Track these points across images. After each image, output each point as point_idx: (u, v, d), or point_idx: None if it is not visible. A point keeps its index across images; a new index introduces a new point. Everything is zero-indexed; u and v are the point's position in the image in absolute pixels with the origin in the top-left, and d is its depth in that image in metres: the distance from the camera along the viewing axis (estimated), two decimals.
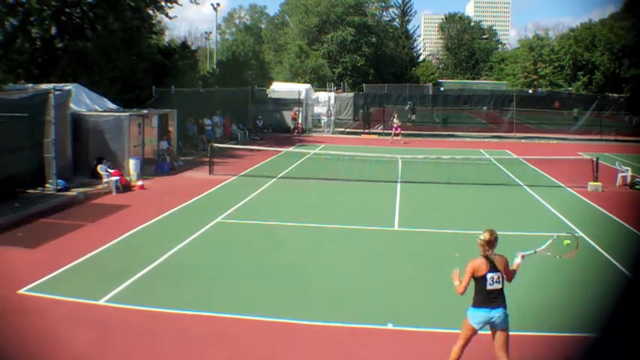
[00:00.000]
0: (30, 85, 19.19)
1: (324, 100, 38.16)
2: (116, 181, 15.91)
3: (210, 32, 68.76)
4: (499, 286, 5.80)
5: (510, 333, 7.19)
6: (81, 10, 23.27)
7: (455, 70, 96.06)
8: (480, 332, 5.97)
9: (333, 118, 36.49)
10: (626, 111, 38.21)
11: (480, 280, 5.79)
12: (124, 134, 17.84)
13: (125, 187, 16.15)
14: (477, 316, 5.84)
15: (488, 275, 5.76)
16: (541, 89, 65.53)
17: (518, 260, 6.03)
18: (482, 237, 5.86)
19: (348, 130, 36.36)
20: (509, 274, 5.91)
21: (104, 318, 7.59)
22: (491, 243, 5.81)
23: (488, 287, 5.77)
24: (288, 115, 35.52)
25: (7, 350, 6.54)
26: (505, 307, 5.83)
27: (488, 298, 5.78)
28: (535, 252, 6.16)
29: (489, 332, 5.93)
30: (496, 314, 5.78)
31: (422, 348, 6.96)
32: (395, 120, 31.34)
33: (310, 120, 37.10)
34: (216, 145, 20.67)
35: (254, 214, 13.65)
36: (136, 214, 13.32)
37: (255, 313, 7.59)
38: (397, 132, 30.52)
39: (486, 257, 5.81)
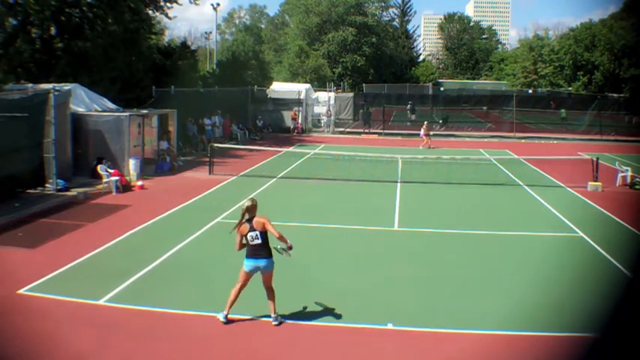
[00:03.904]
0: (30, 85, 19.19)
1: (324, 100, 38.16)
2: (116, 181, 15.91)
3: (210, 32, 68.73)
4: (259, 242, 7.29)
5: (510, 333, 7.26)
6: (80, 11, 23.28)
7: (455, 70, 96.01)
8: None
9: (332, 118, 36.50)
10: (625, 111, 38.25)
11: (243, 239, 7.34)
12: (124, 134, 17.82)
13: (125, 187, 16.14)
14: (248, 265, 7.35)
15: (249, 234, 7.28)
16: (541, 89, 65.57)
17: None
18: (245, 204, 7.37)
19: (348, 130, 36.38)
20: (273, 231, 7.28)
21: (104, 318, 7.59)
22: (250, 209, 7.35)
23: (251, 243, 7.31)
24: (288, 115, 35.51)
25: (7, 350, 6.54)
26: (268, 257, 7.33)
27: (253, 251, 7.31)
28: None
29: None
30: (261, 264, 7.31)
31: (422, 348, 6.96)
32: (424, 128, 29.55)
33: (310, 120, 37.10)
34: (216, 145, 20.67)
35: None
36: (136, 214, 13.32)
37: (255, 313, 7.58)
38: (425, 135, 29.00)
39: (247, 220, 7.31)
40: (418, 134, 34.43)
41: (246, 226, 7.30)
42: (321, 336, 7.19)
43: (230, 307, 7.38)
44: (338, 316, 7.68)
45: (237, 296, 7.38)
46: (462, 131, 35.73)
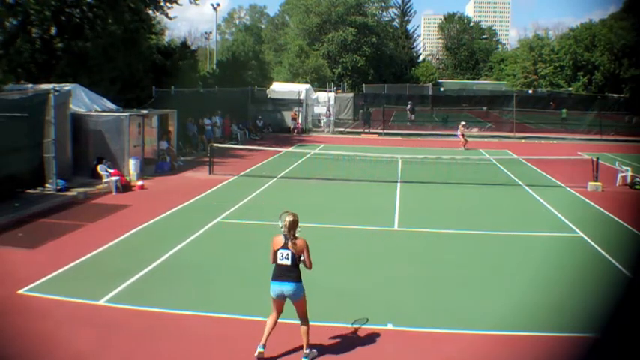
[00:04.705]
0: (30, 85, 19.20)
1: (324, 100, 38.21)
2: (116, 181, 15.91)
3: (210, 32, 68.76)
4: (288, 263, 6.44)
5: (510, 333, 7.25)
6: (80, 11, 23.30)
7: (455, 70, 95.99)
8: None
9: (332, 118, 36.51)
10: (625, 111, 38.28)
11: (275, 254, 6.52)
12: (124, 134, 17.82)
13: (125, 187, 16.14)
14: (272, 288, 6.52)
15: (279, 251, 6.47)
16: (541, 89, 65.57)
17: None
18: (287, 220, 6.48)
19: (347, 130, 36.40)
20: (308, 262, 6.54)
21: (104, 318, 7.58)
22: (291, 225, 6.46)
23: (279, 261, 6.49)
24: (288, 115, 35.54)
25: (7, 350, 6.54)
26: (296, 281, 6.45)
27: (279, 271, 6.48)
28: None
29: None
30: (285, 288, 6.44)
31: (422, 348, 6.96)
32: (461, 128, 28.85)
33: (310, 120, 37.13)
34: (216, 145, 20.67)
35: (254, 214, 13.64)
36: (136, 214, 13.32)
37: (255, 313, 7.57)
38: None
39: (285, 236, 6.47)
40: (418, 134, 34.58)
41: (280, 240, 6.47)
42: (321, 336, 7.18)
43: (266, 337, 6.53)
44: (338, 316, 7.67)
45: (272, 325, 6.59)
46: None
